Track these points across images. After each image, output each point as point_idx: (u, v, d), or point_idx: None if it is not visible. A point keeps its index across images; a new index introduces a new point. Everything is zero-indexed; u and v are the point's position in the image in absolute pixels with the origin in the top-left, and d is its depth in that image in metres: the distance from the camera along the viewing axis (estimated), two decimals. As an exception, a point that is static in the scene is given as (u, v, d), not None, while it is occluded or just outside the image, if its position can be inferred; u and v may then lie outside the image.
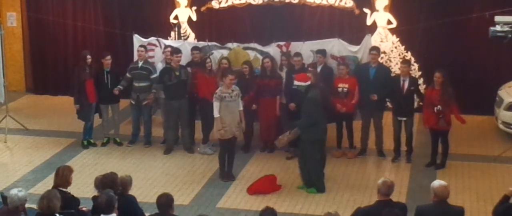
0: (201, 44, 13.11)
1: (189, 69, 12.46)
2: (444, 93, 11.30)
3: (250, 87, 12.16)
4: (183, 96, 12.38)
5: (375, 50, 12.18)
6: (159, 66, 12.74)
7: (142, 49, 12.71)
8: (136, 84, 12.67)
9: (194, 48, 12.65)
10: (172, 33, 14.55)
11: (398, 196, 9.91)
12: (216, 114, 11.10)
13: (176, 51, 12.37)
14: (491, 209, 8.14)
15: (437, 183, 7.74)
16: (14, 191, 7.64)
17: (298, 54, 12.21)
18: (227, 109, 11.10)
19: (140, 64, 12.66)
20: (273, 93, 12.23)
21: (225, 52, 12.75)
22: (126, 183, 8.29)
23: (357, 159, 12.17)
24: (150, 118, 13.07)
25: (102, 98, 12.78)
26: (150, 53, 13.07)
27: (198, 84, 12.30)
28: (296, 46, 12.54)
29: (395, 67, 13.80)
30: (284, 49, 12.58)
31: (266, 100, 12.25)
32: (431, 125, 11.58)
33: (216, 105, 11.10)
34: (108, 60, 12.62)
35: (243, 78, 12.22)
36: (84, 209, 8.25)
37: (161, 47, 13.05)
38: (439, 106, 11.29)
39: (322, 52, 12.23)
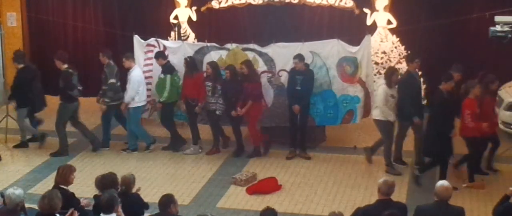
0: (200, 44, 13.10)
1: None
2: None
3: (233, 91, 12.03)
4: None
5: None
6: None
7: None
8: None
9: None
10: (172, 33, 14.54)
11: (398, 196, 9.88)
12: None
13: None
14: (491, 209, 8.16)
15: (440, 183, 7.81)
16: (10, 190, 7.69)
17: (299, 56, 12.14)
18: None
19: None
20: (254, 97, 12.04)
21: (224, 53, 12.71)
22: (129, 181, 8.29)
23: (357, 159, 12.17)
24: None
25: None
26: (149, 55, 13.03)
27: (183, 85, 12.38)
28: (294, 47, 12.48)
29: (395, 68, 13.78)
30: None
31: (251, 104, 12.05)
32: None
33: None
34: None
35: (225, 82, 12.14)
36: (84, 201, 8.24)
37: (160, 48, 13.01)
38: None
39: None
